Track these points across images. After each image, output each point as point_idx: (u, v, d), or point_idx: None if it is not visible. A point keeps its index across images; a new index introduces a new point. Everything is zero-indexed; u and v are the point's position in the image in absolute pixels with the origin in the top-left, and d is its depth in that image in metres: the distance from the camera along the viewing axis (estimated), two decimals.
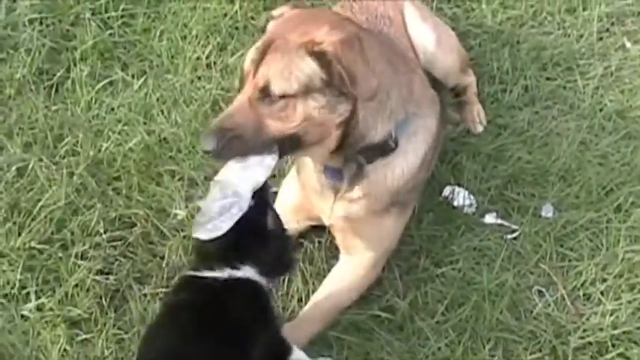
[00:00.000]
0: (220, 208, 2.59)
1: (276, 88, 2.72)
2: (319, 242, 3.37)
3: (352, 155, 2.96)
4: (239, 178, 2.68)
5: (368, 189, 3.05)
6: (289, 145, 2.81)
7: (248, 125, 2.72)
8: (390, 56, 3.02)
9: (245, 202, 2.59)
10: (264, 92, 2.73)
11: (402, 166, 3.05)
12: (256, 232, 2.68)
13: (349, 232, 3.18)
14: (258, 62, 2.77)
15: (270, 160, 2.75)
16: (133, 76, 3.95)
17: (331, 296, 3.15)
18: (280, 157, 2.79)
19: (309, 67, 2.72)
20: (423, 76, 3.31)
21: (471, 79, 3.90)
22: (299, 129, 2.77)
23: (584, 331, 3.16)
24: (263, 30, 3.12)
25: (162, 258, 3.27)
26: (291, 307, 3.20)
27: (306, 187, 3.21)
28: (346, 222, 3.15)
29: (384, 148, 2.99)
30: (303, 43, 2.73)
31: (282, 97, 2.73)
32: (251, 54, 2.83)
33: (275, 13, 3.06)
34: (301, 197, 3.27)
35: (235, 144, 2.70)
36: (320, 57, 2.71)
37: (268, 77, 2.72)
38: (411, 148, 3.06)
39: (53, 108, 3.78)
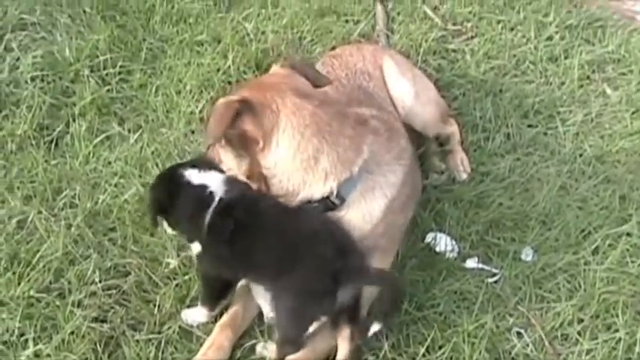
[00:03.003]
0: None
1: None
2: None
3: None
4: None
5: None
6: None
7: None
8: (330, 122, 3.15)
9: None
10: None
11: (357, 219, 3.19)
12: None
13: None
14: None
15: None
16: (129, 131, 4.10)
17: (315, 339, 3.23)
18: None
19: None
20: (390, 130, 3.41)
21: (452, 129, 4.05)
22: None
23: None
24: None
25: (155, 305, 3.37)
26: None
27: None
28: None
29: (326, 204, 3.15)
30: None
31: None
32: None
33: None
34: None
35: None
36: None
37: None
38: (366, 202, 3.20)
39: (52, 162, 3.92)
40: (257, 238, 3.08)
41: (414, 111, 3.82)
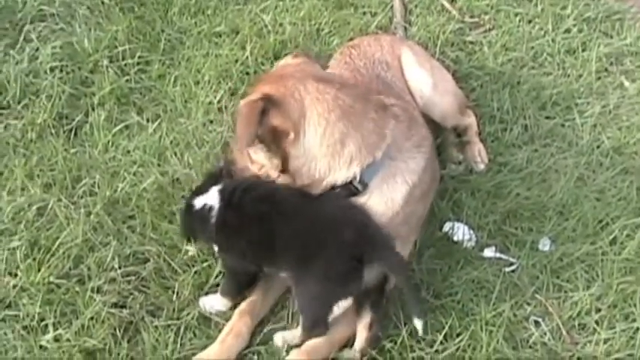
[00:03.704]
0: None
1: None
2: None
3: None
4: None
5: None
6: None
7: None
8: (354, 108, 3.18)
9: None
10: None
11: (380, 205, 3.21)
12: None
13: None
14: None
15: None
16: (147, 120, 4.13)
17: (334, 327, 3.25)
18: None
19: None
20: (410, 119, 3.43)
21: (470, 120, 4.05)
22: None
23: (579, 359, 3.27)
24: None
25: (174, 292, 3.40)
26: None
27: None
28: None
29: (349, 189, 3.18)
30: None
31: None
32: None
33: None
34: None
35: None
36: None
37: None
38: (388, 188, 3.22)
39: (72, 151, 3.95)
40: (275, 227, 3.12)
41: (432, 101, 3.83)
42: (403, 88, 3.76)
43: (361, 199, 3.19)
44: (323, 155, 3.13)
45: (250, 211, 3.16)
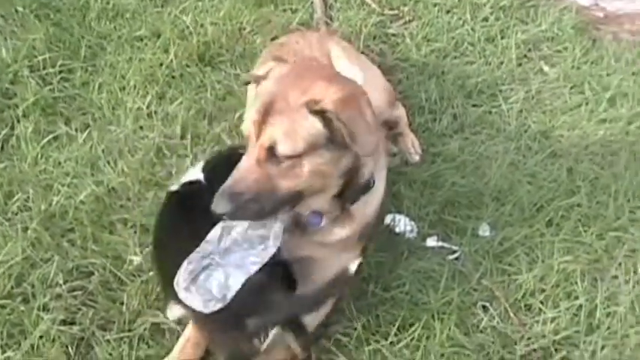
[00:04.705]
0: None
1: (283, 149, 2.81)
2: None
3: (350, 198, 3.11)
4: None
5: (353, 228, 3.21)
6: (295, 199, 2.94)
7: (260, 186, 2.82)
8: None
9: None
10: (271, 153, 2.82)
11: (376, 201, 3.25)
12: None
13: (309, 268, 3.25)
14: (260, 124, 2.84)
15: (277, 227, 2.93)
16: (76, 130, 4.04)
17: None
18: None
19: (313, 126, 2.82)
20: None
21: (400, 112, 4.10)
22: (306, 184, 2.89)
23: (529, 339, 3.35)
24: (246, 84, 3.25)
25: (123, 303, 3.34)
26: None
27: None
28: (307, 260, 3.25)
29: (367, 188, 3.16)
30: (304, 103, 2.82)
31: (289, 157, 2.83)
32: (251, 116, 2.89)
33: (261, 72, 3.14)
34: None
35: (251, 206, 2.81)
36: (322, 115, 2.80)
37: (274, 139, 2.80)
38: (380, 184, 3.26)
39: (0, 166, 3.84)
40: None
41: None
42: None
43: (368, 197, 3.19)
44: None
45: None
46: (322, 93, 2.83)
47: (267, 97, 2.88)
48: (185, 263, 2.82)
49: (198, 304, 2.77)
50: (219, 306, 2.75)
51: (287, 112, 2.82)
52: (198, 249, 2.86)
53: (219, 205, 2.78)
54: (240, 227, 2.90)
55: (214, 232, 2.88)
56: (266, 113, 2.84)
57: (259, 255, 2.87)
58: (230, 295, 2.77)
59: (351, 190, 3.06)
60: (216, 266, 2.83)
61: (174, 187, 3.23)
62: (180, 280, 2.80)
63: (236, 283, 2.79)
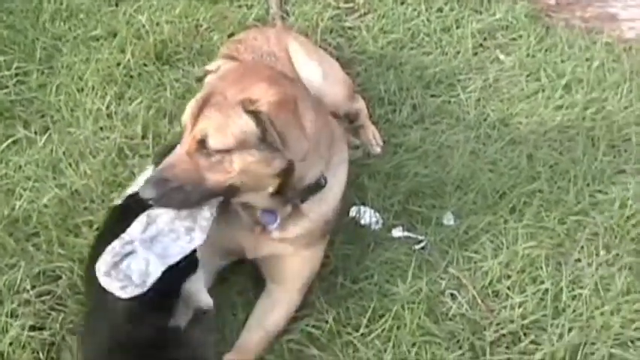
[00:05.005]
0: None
1: (213, 143, 2.82)
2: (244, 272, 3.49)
3: (291, 197, 3.11)
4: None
5: (307, 226, 3.22)
6: (228, 193, 2.95)
7: (187, 177, 2.83)
8: (318, 107, 3.17)
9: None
10: (202, 145, 2.83)
11: (332, 199, 3.25)
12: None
13: (276, 266, 3.32)
14: (196, 116, 2.87)
15: (205, 220, 2.91)
16: (36, 133, 3.98)
17: (263, 325, 3.26)
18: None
19: (246, 124, 2.83)
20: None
21: (360, 105, 4.12)
22: (236, 180, 2.89)
23: (498, 325, 3.40)
24: (200, 80, 3.25)
25: None
26: (225, 337, 3.29)
27: (228, 225, 3.26)
28: (272, 258, 3.30)
29: (317, 187, 3.16)
30: (240, 100, 2.83)
31: (219, 151, 2.84)
32: (190, 107, 2.92)
33: (211, 67, 3.17)
34: (223, 235, 3.27)
35: (176, 194, 2.82)
36: (256, 115, 2.82)
37: (206, 131, 2.82)
38: (336, 180, 3.26)
39: None
40: None
41: (323, 91, 3.83)
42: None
43: (322, 195, 3.20)
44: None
45: None
46: (260, 94, 2.85)
47: (208, 91, 2.92)
48: (109, 248, 2.81)
49: (116, 289, 2.76)
50: (137, 292, 2.74)
51: (223, 108, 2.85)
52: (122, 235, 2.84)
53: (146, 190, 2.81)
54: (166, 216, 2.88)
55: (139, 220, 2.87)
56: (203, 105, 2.87)
57: (184, 247, 2.87)
58: (150, 281, 2.76)
59: (291, 189, 3.05)
60: (139, 253, 2.81)
61: (117, 201, 3.21)
62: (102, 265, 2.78)
63: (156, 270, 2.78)
